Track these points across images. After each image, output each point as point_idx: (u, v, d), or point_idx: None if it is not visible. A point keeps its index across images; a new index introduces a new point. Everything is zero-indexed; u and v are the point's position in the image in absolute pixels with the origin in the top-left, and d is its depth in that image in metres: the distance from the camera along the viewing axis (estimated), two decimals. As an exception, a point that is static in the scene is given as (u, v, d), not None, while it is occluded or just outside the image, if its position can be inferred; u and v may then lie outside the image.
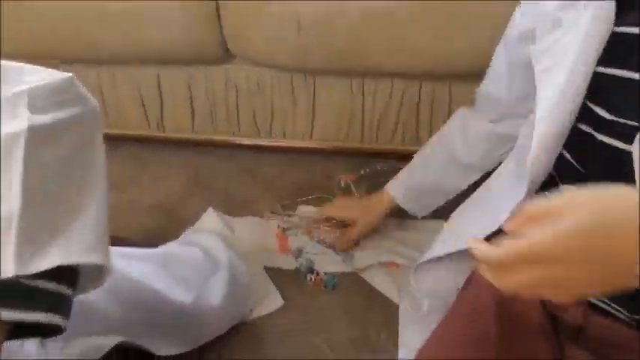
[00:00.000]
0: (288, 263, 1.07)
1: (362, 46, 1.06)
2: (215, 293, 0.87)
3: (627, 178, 0.49)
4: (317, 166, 1.30)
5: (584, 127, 0.57)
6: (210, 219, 1.16)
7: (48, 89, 0.46)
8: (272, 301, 0.99)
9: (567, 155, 0.60)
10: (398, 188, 1.00)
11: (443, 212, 0.96)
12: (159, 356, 0.78)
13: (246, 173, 1.31)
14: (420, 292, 0.81)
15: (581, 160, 0.59)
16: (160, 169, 1.32)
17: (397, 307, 0.97)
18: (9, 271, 0.39)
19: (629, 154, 0.51)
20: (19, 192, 0.40)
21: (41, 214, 0.42)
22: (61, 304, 0.45)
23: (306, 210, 1.19)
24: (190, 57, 1.19)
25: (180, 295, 0.81)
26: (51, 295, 0.43)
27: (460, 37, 1.01)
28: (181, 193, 1.27)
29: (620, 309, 0.56)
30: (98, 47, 1.18)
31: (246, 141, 1.33)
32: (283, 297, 1.01)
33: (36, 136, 0.42)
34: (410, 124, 1.23)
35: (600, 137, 0.55)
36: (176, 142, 1.35)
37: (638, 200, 0.35)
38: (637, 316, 0.55)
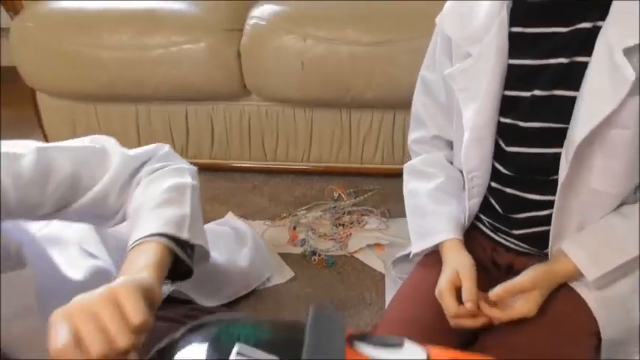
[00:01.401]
0: (296, 250, 1.35)
1: (349, 79, 1.40)
2: (242, 258, 1.13)
3: (540, 175, 0.75)
4: (314, 182, 1.60)
5: (496, 137, 0.78)
6: (231, 220, 1.44)
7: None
8: (285, 273, 1.26)
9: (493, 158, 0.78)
10: None
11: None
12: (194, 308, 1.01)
13: (256, 190, 1.59)
14: (397, 273, 1.05)
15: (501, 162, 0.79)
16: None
17: (383, 275, 1.24)
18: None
19: (535, 156, 0.74)
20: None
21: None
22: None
23: (308, 214, 1.48)
24: (214, 94, 1.51)
25: (215, 256, 1.06)
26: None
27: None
28: (203, 207, 1.54)
29: (533, 249, 0.83)
30: (138, 87, 1.49)
31: (256, 164, 1.63)
32: (295, 272, 1.27)
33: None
34: (387, 146, 1.56)
35: (509, 148, 0.77)
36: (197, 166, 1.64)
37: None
38: (545, 251, 0.81)
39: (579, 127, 0.67)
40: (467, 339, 0.81)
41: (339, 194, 1.53)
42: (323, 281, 1.26)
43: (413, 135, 0.96)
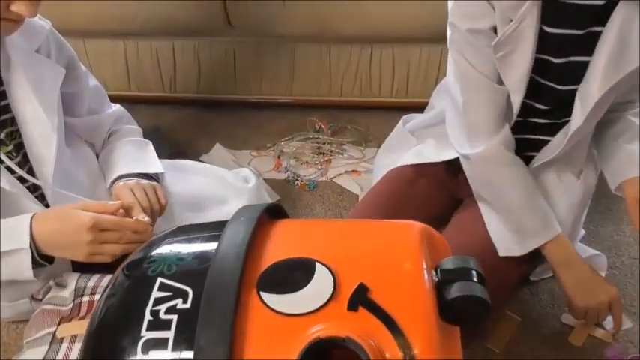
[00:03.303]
0: (281, 176, 1.47)
1: (330, 14, 1.47)
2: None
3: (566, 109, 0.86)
4: (296, 115, 1.70)
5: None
6: (219, 151, 1.55)
7: None
8: (271, 197, 1.39)
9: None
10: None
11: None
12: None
13: (242, 122, 1.69)
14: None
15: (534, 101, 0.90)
16: (172, 121, 1.69)
17: (358, 197, 1.38)
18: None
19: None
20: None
21: None
22: None
23: (291, 144, 1.59)
24: (199, 29, 1.58)
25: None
26: None
27: (406, 5, 1.43)
28: (192, 137, 1.64)
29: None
30: (125, 22, 1.55)
31: (242, 97, 1.72)
32: (279, 196, 1.40)
33: None
34: (365, 79, 1.65)
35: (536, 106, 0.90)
36: (185, 100, 1.73)
37: None
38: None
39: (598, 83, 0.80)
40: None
41: (320, 126, 1.63)
42: (305, 203, 1.39)
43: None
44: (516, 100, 0.87)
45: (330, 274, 0.49)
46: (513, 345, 1.03)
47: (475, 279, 0.50)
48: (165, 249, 0.56)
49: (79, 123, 1.00)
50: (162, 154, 1.09)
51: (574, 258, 0.90)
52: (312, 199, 1.40)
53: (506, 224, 0.91)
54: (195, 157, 1.49)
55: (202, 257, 0.53)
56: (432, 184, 1.07)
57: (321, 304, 0.46)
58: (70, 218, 0.75)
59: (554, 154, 0.92)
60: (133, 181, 0.91)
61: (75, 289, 0.85)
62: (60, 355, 0.76)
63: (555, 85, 0.87)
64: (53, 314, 0.83)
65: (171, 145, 1.53)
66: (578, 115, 0.85)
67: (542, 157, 0.94)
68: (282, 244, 0.55)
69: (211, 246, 0.53)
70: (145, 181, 0.92)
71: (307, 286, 0.48)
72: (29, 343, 0.81)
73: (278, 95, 1.72)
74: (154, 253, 0.55)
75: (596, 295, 0.89)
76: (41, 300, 0.90)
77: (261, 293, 0.48)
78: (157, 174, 0.99)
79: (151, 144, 1.07)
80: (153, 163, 1.01)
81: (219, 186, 1.12)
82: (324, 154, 1.53)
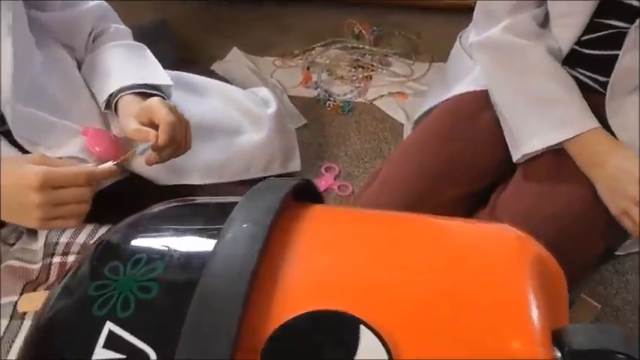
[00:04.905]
0: (309, 93, 1.21)
1: None
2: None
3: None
4: (332, 14, 1.39)
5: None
6: (236, 56, 1.28)
7: None
8: (296, 119, 1.14)
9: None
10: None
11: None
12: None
13: (264, 21, 1.39)
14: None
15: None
16: (179, 17, 1.40)
17: (403, 126, 1.12)
18: None
19: None
20: None
21: None
22: None
23: (324, 53, 1.30)
24: None
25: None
26: None
27: None
28: (203, 39, 1.36)
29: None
30: None
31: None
32: (306, 119, 1.15)
33: None
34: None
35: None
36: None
37: None
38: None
39: None
40: (471, 202, 0.79)
41: (360, 31, 1.33)
42: (337, 130, 1.15)
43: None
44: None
45: (381, 347, 0.28)
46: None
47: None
48: (126, 255, 0.33)
49: (50, 19, 0.79)
50: (165, 60, 0.84)
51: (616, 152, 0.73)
52: (347, 124, 1.15)
53: (529, 115, 0.76)
54: (207, 65, 1.23)
55: (179, 287, 0.31)
56: (497, 120, 0.82)
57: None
58: (11, 176, 0.55)
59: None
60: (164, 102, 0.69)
61: (45, 244, 0.68)
62: (20, 336, 0.59)
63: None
64: (19, 274, 0.68)
65: (178, 47, 1.26)
66: None
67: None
68: (307, 277, 0.32)
69: (196, 262, 0.30)
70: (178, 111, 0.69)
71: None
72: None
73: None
74: (107, 264, 0.33)
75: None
76: (12, 245, 0.73)
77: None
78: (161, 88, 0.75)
79: (147, 49, 0.82)
80: (159, 73, 0.78)
81: (233, 111, 0.88)
82: (363, 67, 1.25)
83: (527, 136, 0.75)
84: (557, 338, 0.32)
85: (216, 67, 1.25)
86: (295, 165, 0.92)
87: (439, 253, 0.34)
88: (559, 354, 0.31)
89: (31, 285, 0.66)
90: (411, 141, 0.86)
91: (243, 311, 0.27)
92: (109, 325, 0.30)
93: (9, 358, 0.53)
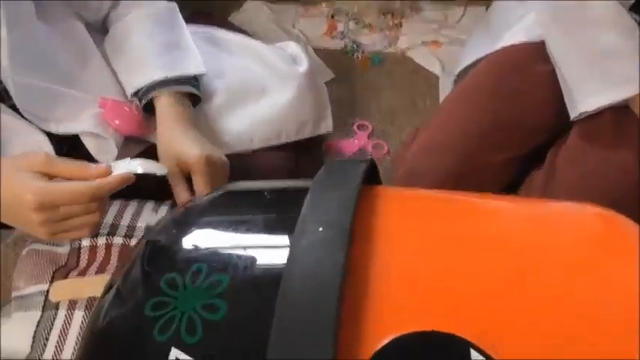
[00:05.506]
0: (336, 44, 1.13)
1: None
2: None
3: None
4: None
5: None
6: (254, 5, 1.19)
7: None
8: (323, 73, 1.06)
9: None
10: None
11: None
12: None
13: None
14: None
15: None
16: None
17: (438, 78, 1.04)
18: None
19: None
20: None
21: None
22: None
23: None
24: None
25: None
26: None
27: None
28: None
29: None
30: None
31: None
32: (333, 73, 1.07)
33: None
34: None
35: None
36: None
37: None
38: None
39: None
40: (522, 162, 0.73)
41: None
42: (367, 83, 1.07)
43: None
44: None
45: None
46: None
47: None
48: (182, 264, 0.28)
49: None
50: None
51: None
52: (377, 78, 1.08)
53: (589, 69, 0.68)
54: (223, 17, 1.14)
55: (251, 306, 0.26)
56: (552, 74, 0.73)
57: None
58: (10, 192, 0.49)
59: None
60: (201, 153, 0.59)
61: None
62: (56, 328, 0.55)
63: None
64: (46, 260, 0.62)
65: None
66: None
67: None
68: (401, 289, 0.27)
69: (268, 275, 0.26)
70: (216, 155, 0.60)
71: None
72: (17, 300, 0.60)
73: None
74: (162, 274, 0.28)
75: None
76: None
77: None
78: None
79: (178, 14, 0.73)
80: (191, 57, 0.69)
81: (262, 69, 0.80)
82: (393, 14, 1.16)
83: (587, 93, 0.68)
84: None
85: (232, 18, 1.17)
86: (327, 125, 0.85)
87: (545, 253, 0.29)
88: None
89: (61, 272, 0.61)
90: (454, 97, 0.80)
91: (335, 339, 0.22)
92: (176, 353, 0.25)
93: (46, 352, 0.49)
